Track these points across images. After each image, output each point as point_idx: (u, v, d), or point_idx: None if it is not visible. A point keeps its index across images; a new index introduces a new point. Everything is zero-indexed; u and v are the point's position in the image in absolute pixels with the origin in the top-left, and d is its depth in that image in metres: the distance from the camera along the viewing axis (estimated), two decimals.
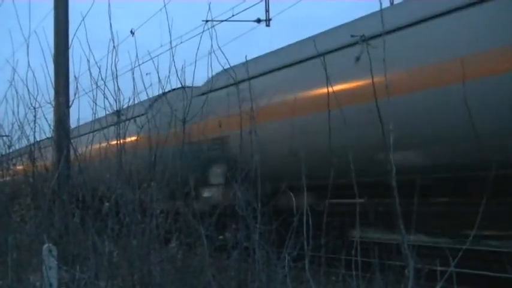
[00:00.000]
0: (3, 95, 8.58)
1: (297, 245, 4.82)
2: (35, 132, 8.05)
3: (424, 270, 4.49)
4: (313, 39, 8.78)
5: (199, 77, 6.38)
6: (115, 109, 6.24)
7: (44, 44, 7.92)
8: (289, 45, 10.61)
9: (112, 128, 6.35)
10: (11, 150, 8.99)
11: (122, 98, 6.19)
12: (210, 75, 6.31)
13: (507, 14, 6.23)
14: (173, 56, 6.01)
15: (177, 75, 6.11)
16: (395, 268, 4.81)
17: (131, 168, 5.80)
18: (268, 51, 11.83)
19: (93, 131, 6.92)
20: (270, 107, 8.75)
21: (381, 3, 4.14)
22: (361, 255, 4.28)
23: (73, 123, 8.58)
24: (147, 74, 6.42)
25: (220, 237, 6.26)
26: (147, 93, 6.58)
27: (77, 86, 7.32)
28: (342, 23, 9.25)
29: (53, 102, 8.51)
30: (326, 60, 4.72)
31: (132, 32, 15.29)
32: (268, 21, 20.27)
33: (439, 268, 4.04)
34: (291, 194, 5.10)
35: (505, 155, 5.54)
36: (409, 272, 3.65)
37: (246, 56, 6.71)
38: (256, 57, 10.94)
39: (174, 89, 7.20)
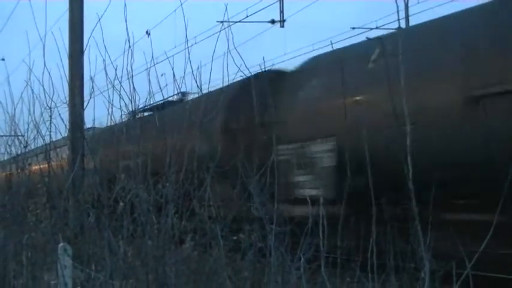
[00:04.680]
0: (19, 95, 8.61)
1: (312, 246, 4.83)
2: (50, 132, 8.08)
3: (439, 273, 4.48)
4: None
5: (215, 77, 6.39)
6: (130, 109, 6.26)
7: (60, 44, 7.94)
8: None
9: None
10: (26, 150, 9.02)
11: (137, 98, 6.22)
12: (226, 76, 6.31)
13: None
14: (189, 57, 6.03)
15: (193, 75, 6.13)
16: (410, 270, 4.81)
17: None
18: (282, 52, 11.79)
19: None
20: None
21: (397, 5, 4.12)
22: (377, 256, 4.27)
23: (88, 123, 8.61)
24: (162, 74, 6.45)
25: (234, 237, 6.26)
26: (162, 94, 6.60)
27: (92, 87, 7.33)
28: None
29: (68, 102, 8.54)
30: None
31: (147, 33, 15.32)
32: (282, 22, 20.28)
33: (454, 270, 4.03)
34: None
35: None
36: (425, 274, 3.64)
37: (263, 57, 6.71)
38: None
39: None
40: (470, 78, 6.92)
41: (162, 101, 6.48)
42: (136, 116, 6.49)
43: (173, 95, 5.94)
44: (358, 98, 8.29)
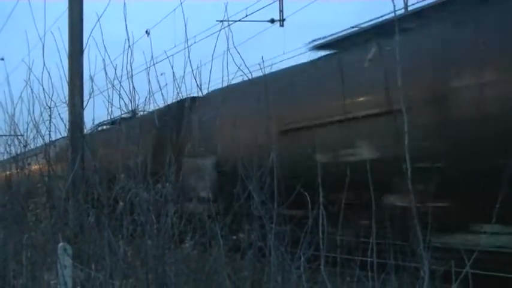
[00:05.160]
0: (19, 95, 8.61)
1: (312, 245, 4.83)
2: (50, 131, 8.08)
3: (439, 272, 4.48)
4: None
5: (214, 76, 6.42)
6: (130, 109, 6.29)
7: (60, 43, 7.95)
8: None
9: None
10: (26, 150, 9.02)
11: (137, 98, 6.26)
12: (226, 75, 6.42)
13: None
14: (189, 56, 6.07)
15: (193, 74, 6.16)
16: (410, 269, 4.81)
17: None
18: (281, 51, 12.84)
19: None
20: None
21: (394, 5, 4.13)
22: (377, 256, 4.27)
23: (88, 123, 8.63)
24: (161, 74, 6.47)
25: (234, 237, 6.27)
26: (162, 93, 6.63)
27: (92, 86, 7.35)
28: None
29: (68, 102, 8.55)
30: None
31: (147, 32, 15.33)
32: (282, 21, 20.28)
33: (454, 269, 4.03)
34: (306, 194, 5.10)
35: None
36: (424, 273, 3.64)
37: (262, 57, 6.74)
38: None
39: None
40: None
41: (116, 118, 6.99)
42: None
43: (125, 112, 6.39)
44: (226, 126, 10.76)
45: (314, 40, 10.36)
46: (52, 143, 9.05)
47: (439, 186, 5.13)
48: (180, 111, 10.37)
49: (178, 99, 6.81)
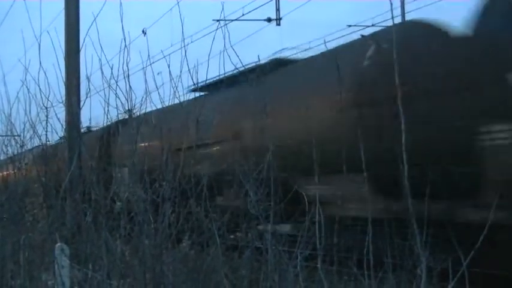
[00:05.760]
0: (16, 95, 8.60)
1: (309, 244, 4.84)
2: (47, 131, 8.08)
3: (436, 270, 4.49)
4: None
5: (211, 75, 6.44)
6: (127, 108, 6.29)
7: (56, 43, 7.94)
8: None
9: None
10: (23, 150, 9.02)
11: (133, 97, 6.26)
12: (222, 74, 6.47)
13: None
14: (185, 55, 6.08)
15: (189, 73, 6.18)
16: (407, 267, 4.82)
17: None
18: (278, 50, 13.38)
19: None
20: None
21: (391, 3, 4.14)
22: (373, 254, 4.27)
23: (85, 122, 8.63)
24: (158, 73, 6.48)
25: (232, 236, 6.27)
26: (158, 93, 6.63)
27: (88, 86, 7.35)
28: None
29: (64, 102, 8.54)
30: None
31: (144, 32, 15.32)
32: (278, 20, 20.26)
33: (451, 268, 4.04)
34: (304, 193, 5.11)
35: None
36: (422, 271, 3.64)
37: (258, 56, 6.78)
38: None
39: None
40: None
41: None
42: None
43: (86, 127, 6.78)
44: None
45: (191, 85, 12.69)
46: (30, 150, 9.15)
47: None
48: (116, 129, 11.82)
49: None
